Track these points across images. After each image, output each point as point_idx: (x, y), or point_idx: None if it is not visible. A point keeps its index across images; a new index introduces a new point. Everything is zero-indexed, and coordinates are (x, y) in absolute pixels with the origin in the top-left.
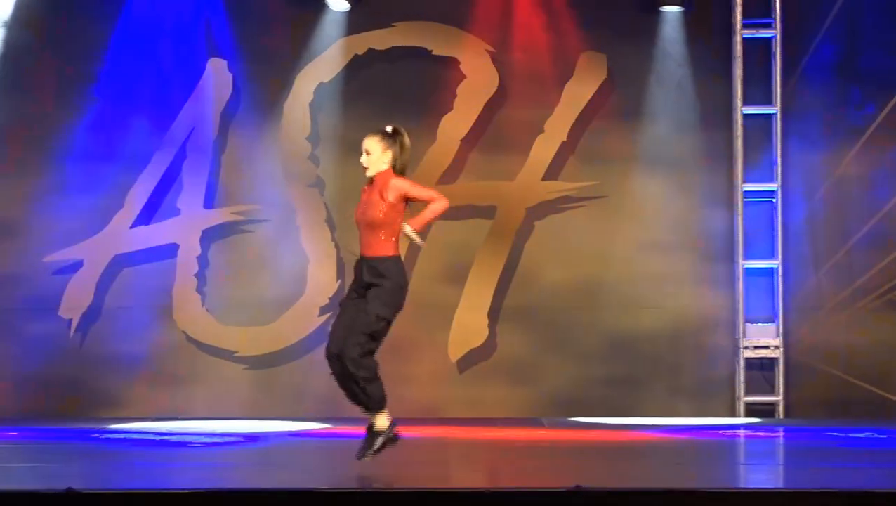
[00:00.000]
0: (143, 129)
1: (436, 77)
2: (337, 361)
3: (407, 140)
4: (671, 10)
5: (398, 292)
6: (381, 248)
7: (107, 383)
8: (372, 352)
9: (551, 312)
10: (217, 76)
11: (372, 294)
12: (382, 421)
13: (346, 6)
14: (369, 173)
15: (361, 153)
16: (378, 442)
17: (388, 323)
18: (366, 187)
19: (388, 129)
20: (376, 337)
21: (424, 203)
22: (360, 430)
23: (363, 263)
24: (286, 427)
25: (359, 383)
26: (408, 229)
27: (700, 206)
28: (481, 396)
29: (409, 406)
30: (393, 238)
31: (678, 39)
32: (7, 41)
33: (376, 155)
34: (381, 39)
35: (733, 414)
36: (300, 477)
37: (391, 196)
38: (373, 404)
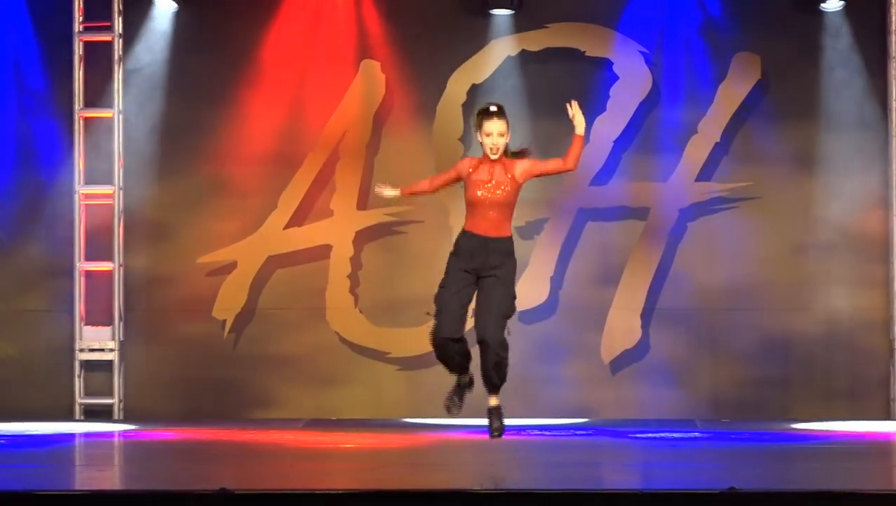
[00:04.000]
0: (297, 130)
1: (589, 78)
2: (455, 341)
3: None
4: (828, 7)
5: (516, 270)
6: (508, 228)
7: (260, 383)
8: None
9: (704, 313)
10: (370, 78)
11: (503, 275)
12: (497, 399)
13: (510, 11)
14: (496, 155)
15: (492, 134)
16: (502, 414)
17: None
18: (479, 167)
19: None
20: (510, 316)
21: (552, 171)
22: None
23: (488, 243)
24: (433, 426)
25: (500, 365)
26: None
27: (854, 207)
28: (634, 397)
29: (562, 407)
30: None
31: (835, 39)
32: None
33: (506, 137)
34: (533, 41)
35: (888, 416)
36: (452, 477)
37: (521, 176)
38: (501, 383)
